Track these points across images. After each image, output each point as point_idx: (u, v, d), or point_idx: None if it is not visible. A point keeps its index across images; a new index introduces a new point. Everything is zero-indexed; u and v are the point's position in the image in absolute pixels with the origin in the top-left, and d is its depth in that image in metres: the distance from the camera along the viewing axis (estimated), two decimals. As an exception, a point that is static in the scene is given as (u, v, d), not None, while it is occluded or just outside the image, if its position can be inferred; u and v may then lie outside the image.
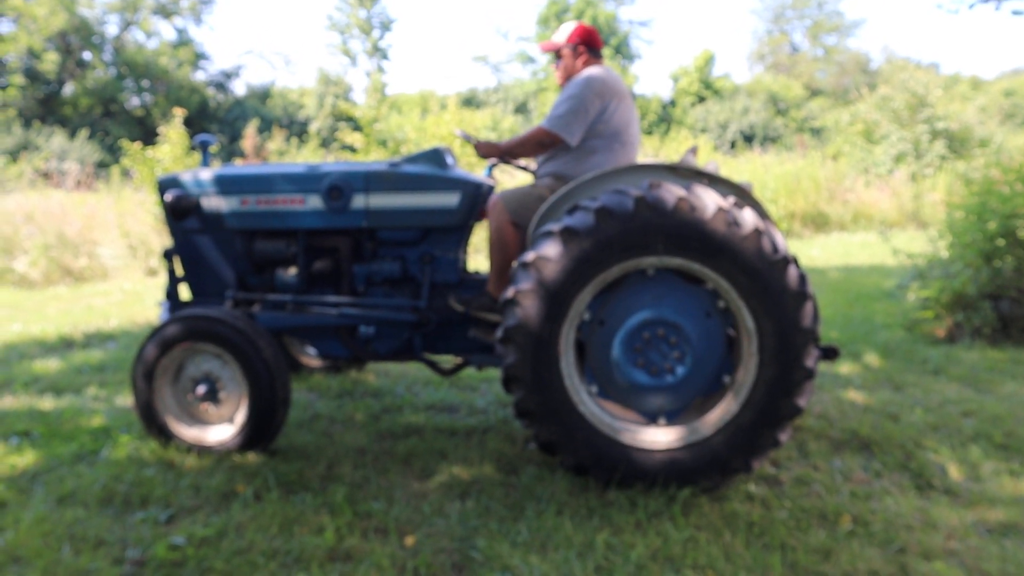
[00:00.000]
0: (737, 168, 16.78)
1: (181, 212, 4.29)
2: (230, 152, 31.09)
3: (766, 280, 3.30)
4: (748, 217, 3.30)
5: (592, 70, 4.06)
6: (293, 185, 4.26)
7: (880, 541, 3.09)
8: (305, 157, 17.62)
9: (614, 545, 3.05)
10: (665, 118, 40.87)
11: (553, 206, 3.71)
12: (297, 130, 35.55)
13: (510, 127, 32.05)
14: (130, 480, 3.60)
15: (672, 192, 3.31)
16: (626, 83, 4.22)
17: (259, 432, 3.87)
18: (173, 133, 11.65)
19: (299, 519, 3.27)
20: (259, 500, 3.44)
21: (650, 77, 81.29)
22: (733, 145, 33.39)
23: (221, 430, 3.95)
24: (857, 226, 15.58)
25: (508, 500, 3.50)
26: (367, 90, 32.47)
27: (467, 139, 4.39)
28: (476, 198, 4.18)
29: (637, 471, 3.48)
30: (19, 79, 34.68)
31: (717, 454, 3.44)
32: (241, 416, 3.88)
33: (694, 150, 3.99)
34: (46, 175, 17.79)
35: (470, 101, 40.98)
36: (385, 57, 44.01)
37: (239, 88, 43.40)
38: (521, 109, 43.27)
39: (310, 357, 5.56)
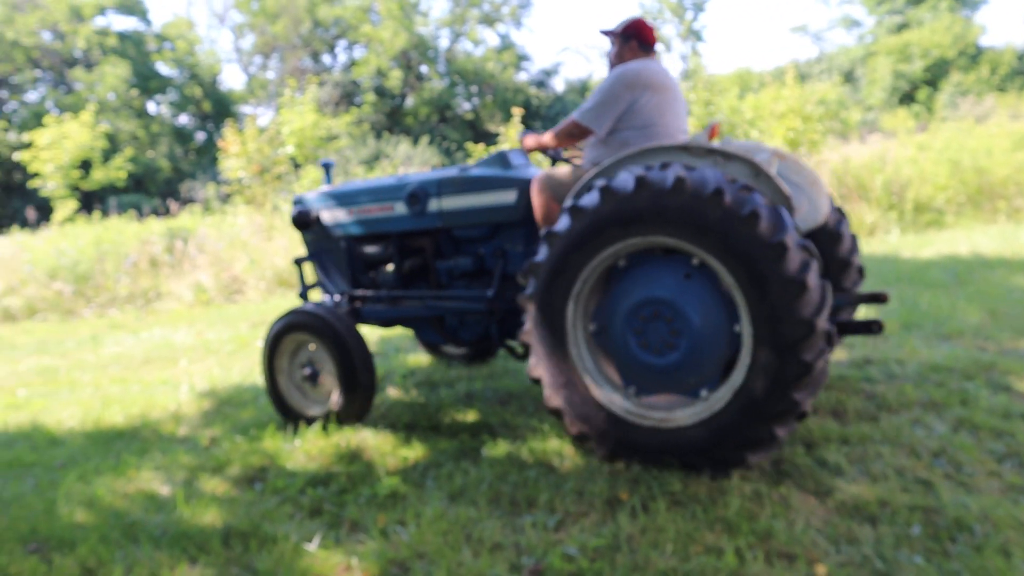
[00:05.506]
0: None
1: (303, 224, 5.09)
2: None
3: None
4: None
5: (630, 64, 4.13)
6: (383, 195, 4.85)
7: None
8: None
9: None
10: (1021, 71, 35.50)
11: (580, 189, 3.83)
12: (614, 120, 35.94)
13: (838, 99, 29.66)
14: (514, 481, 3.59)
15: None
16: (671, 76, 4.27)
17: (347, 409, 4.45)
18: (512, 132, 12.15)
19: (693, 535, 3.01)
20: (646, 511, 3.23)
21: (1002, 25, 70.91)
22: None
23: (321, 406, 4.62)
24: None
25: (929, 528, 2.95)
26: (685, 74, 31.90)
27: (519, 137, 4.60)
28: None
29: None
30: (371, 97, 38.91)
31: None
32: (335, 395, 4.50)
33: (711, 127, 3.97)
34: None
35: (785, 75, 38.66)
36: (700, 39, 43.03)
37: (558, 84, 45.02)
38: (849, 78, 40.04)
39: (450, 346, 6.02)
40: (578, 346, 3.66)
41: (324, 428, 4.50)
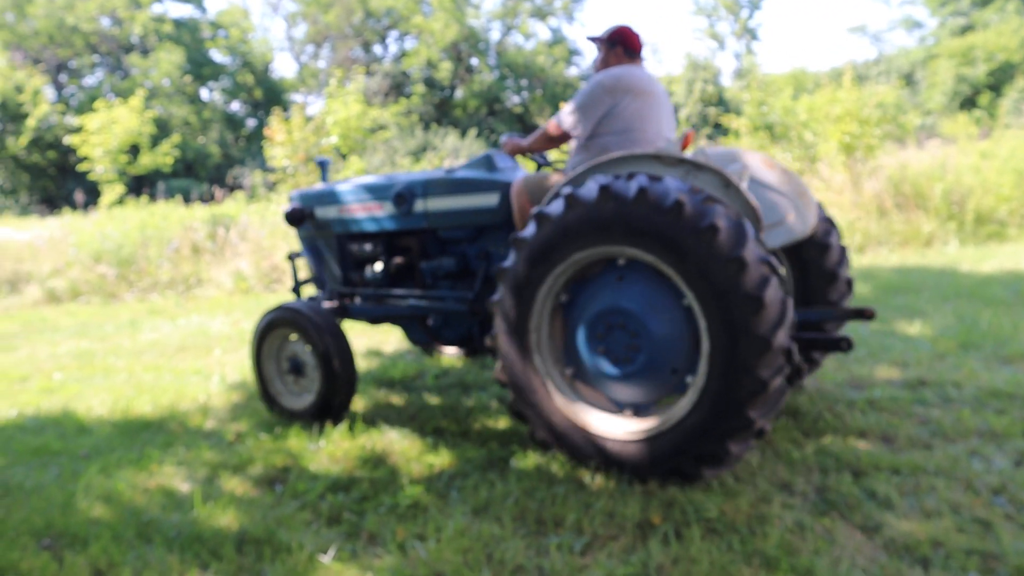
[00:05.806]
0: None
1: (296, 220, 5.16)
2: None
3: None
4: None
5: (612, 69, 4.12)
6: (373, 194, 4.91)
7: None
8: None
9: None
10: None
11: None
12: (664, 118, 35.54)
13: (896, 102, 28.85)
14: (541, 497, 3.42)
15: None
16: (656, 82, 4.23)
17: (327, 403, 4.51)
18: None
19: (728, 569, 2.81)
20: (679, 538, 3.04)
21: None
22: None
23: (304, 399, 4.69)
24: None
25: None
26: (739, 73, 31.39)
27: (502, 141, 4.60)
28: None
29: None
30: (420, 88, 38.95)
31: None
32: (315, 387, 4.58)
33: (685, 136, 4.00)
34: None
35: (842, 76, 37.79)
36: (755, 37, 42.31)
37: (608, 80, 44.58)
38: (908, 81, 39.02)
39: (443, 346, 6.08)
40: (563, 392, 3.66)
41: (351, 428, 4.39)
